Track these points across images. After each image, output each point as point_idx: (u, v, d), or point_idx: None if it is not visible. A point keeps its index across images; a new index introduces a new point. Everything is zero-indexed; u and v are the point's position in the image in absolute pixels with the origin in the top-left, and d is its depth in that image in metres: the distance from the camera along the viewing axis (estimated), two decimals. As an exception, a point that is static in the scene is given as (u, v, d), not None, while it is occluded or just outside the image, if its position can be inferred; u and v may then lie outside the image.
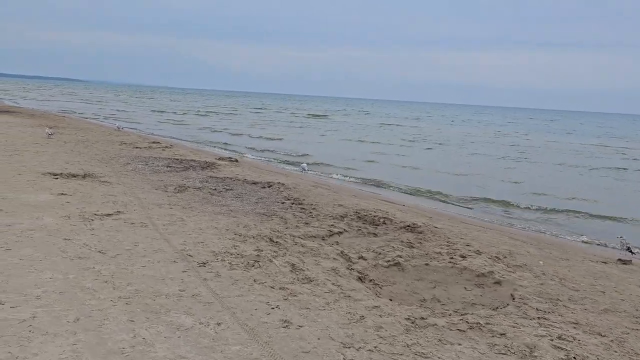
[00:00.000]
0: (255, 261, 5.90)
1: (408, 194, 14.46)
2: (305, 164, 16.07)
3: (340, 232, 8.08)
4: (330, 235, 7.90)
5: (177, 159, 14.95)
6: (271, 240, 7.01)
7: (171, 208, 8.66)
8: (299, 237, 7.45)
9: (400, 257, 6.76)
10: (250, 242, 6.86)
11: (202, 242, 6.65)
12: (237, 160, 16.03)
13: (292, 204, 9.97)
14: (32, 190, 8.97)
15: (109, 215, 7.68)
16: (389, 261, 6.58)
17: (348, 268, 6.23)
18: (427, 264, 6.63)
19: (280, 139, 27.98)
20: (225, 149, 22.23)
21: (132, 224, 7.30)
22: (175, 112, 51.89)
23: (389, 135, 36.76)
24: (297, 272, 5.68)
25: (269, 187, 11.57)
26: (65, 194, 8.90)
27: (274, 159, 20.00)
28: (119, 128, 23.69)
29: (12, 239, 6.00)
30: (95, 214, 7.61)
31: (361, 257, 6.71)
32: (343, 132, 37.93)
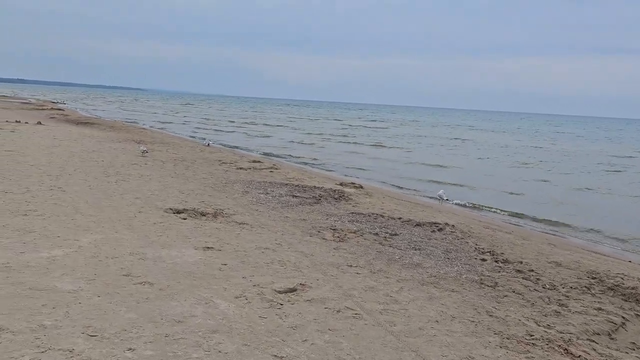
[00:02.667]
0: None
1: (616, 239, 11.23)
2: (442, 192, 13.47)
3: (623, 324, 5.46)
4: (615, 330, 5.29)
5: (296, 185, 12.71)
6: (568, 351, 4.48)
7: (358, 273, 6.29)
8: (588, 340, 4.89)
9: None
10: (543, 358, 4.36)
11: (472, 358, 4.20)
12: (361, 187, 13.65)
13: (496, 261, 7.43)
14: (169, 240, 6.83)
15: (292, 291, 5.38)
16: None
17: None
18: None
19: (398, 159, 23.74)
20: (334, 170, 19.91)
21: (338, 311, 4.95)
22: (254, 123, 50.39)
23: (505, 153, 32.22)
24: None
25: (438, 230, 9.07)
26: (212, 247, 6.70)
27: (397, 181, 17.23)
28: (208, 144, 21.86)
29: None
30: (275, 290, 5.33)
31: None
32: (445, 147, 34.93)
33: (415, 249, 7.76)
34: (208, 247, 6.69)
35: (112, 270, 5.47)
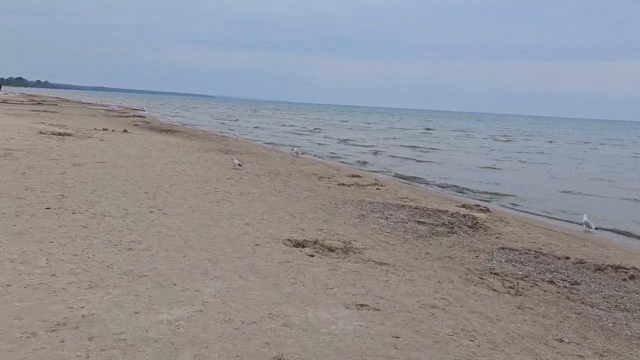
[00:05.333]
0: None
1: None
2: (588, 217, 11.23)
3: None
4: None
5: (415, 208, 10.96)
6: None
7: (581, 357, 4.46)
8: None
9: None
10: None
11: None
12: (488, 210, 11.68)
13: None
14: (308, 292, 5.31)
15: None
16: None
17: None
18: None
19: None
20: (446, 189, 17.76)
21: None
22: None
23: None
24: None
25: (630, 278, 7.03)
26: (366, 305, 5.11)
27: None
28: (297, 154, 20.55)
29: None
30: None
31: None
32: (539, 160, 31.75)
33: (622, 310, 5.82)
34: (361, 305, 5.09)
35: (256, 347, 3.96)
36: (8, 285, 4.69)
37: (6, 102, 46.35)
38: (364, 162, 22.57)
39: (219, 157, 17.11)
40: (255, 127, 45.18)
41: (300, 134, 40.01)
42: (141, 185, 10.52)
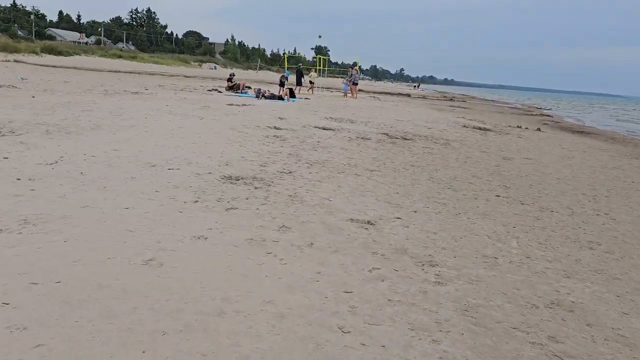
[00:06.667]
0: None
1: None
2: None
3: None
4: None
5: None
6: None
7: None
8: None
9: None
10: None
11: None
12: None
13: None
14: None
15: None
16: None
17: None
18: None
19: None
20: None
21: None
22: None
23: None
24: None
25: None
26: None
27: None
28: None
29: None
30: None
31: None
32: None
33: None
34: None
35: None
36: (495, 258, 5.38)
37: (425, 98, 52.97)
38: None
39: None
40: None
41: None
42: (575, 186, 10.31)
